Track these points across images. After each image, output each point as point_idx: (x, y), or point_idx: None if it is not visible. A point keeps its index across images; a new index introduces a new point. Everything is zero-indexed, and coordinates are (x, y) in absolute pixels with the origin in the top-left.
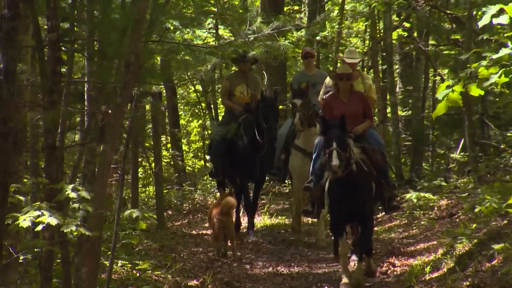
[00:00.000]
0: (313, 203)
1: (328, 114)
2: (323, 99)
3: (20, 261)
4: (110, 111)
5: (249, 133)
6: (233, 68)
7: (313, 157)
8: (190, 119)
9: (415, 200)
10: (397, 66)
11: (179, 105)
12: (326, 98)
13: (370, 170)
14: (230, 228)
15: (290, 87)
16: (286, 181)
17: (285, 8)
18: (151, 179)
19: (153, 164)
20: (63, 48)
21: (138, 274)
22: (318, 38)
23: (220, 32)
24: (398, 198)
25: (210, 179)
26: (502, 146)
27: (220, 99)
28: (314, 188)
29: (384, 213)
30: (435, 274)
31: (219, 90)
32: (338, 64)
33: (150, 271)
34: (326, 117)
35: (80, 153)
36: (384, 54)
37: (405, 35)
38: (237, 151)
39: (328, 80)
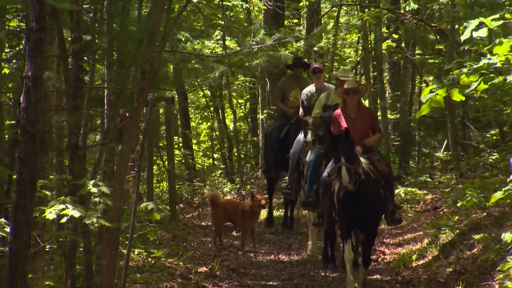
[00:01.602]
0: (322, 215)
1: (336, 129)
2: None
3: (46, 249)
4: (127, 114)
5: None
6: (238, 76)
7: (308, 174)
8: (200, 121)
9: (403, 195)
10: (386, 74)
11: (190, 108)
12: (334, 113)
13: (378, 178)
14: (212, 220)
15: (301, 104)
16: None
17: (286, 22)
18: (164, 175)
19: (166, 162)
20: (85, 58)
21: (153, 262)
22: (315, 48)
23: (227, 43)
24: (401, 211)
25: (218, 175)
26: (481, 146)
27: (227, 104)
28: (323, 199)
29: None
30: (421, 262)
31: (227, 95)
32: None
33: (163, 259)
34: (334, 132)
35: (100, 152)
36: (375, 62)
37: (393, 46)
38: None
39: (323, 95)
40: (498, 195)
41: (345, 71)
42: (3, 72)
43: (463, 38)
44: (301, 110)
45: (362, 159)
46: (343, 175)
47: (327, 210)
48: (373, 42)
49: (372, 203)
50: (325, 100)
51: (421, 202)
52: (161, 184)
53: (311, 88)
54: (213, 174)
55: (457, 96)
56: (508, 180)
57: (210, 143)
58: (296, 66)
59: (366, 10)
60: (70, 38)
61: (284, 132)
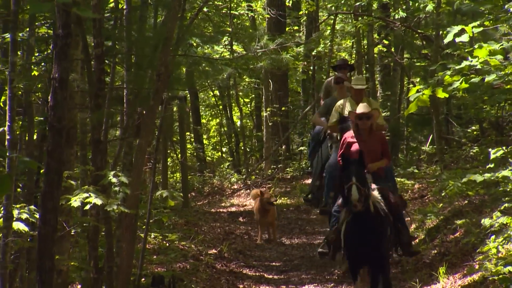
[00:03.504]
0: (329, 245)
1: (346, 153)
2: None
3: (72, 233)
4: (144, 112)
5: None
6: (244, 77)
7: (325, 181)
8: (210, 118)
9: None
10: (377, 75)
11: (200, 107)
12: (345, 136)
13: (386, 215)
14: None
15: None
16: (288, 169)
17: (287, 28)
18: (178, 167)
19: (179, 155)
20: (106, 61)
21: (167, 244)
22: (314, 52)
23: (234, 47)
24: (416, 241)
25: (226, 167)
26: (463, 140)
27: (234, 102)
28: (330, 231)
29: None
30: None
31: (234, 95)
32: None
33: (177, 242)
34: (347, 155)
35: (120, 146)
36: (367, 65)
37: (384, 50)
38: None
39: (339, 103)
40: (479, 179)
41: (359, 79)
42: (33, 74)
43: (446, 40)
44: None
45: (373, 192)
46: (353, 193)
47: (335, 240)
48: (365, 47)
49: (379, 236)
50: (340, 107)
51: (409, 191)
52: (175, 175)
53: (332, 99)
54: (222, 165)
55: (441, 94)
56: (488, 167)
57: (219, 138)
58: (340, 67)
59: (359, 18)
60: (93, 44)
61: (323, 136)
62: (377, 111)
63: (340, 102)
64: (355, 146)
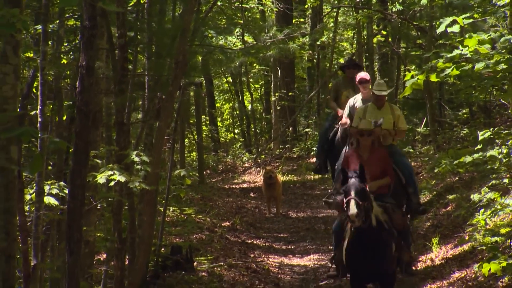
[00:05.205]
0: (337, 267)
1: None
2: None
3: (98, 207)
4: (164, 97)
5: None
6: (255, 65)
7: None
8: (223, 102)
9: None
10: (376, 63)
11: (215, 92)
12: (346, 153)
13: (390, 229)
14: None
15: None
16: (295, 149)
17: (293, 20)
18: (194, 147)
19: (195, 136)
20: (129, 50)
21: (185, 217)
22: (318, 42)
23: (245, 38)
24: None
25: (238, 147)
26: (454, 123)
27: (246, 88)
28: (335, 251)
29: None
30: None
31: (245, 81)
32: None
33: (193, 215)
34: (347, 169)
35: (141, 127)
36: (367, 54)
37: (382, 40)
38: (335, 146)
39: (360, 108)
40: (468, 159)
41: (380, 85)
42: (62, 62)
43: (438, 31)
44: (345, 120)
45: (375, 207)
46: (351, 207)
47: (342, 261)
48: (365, 37)
49: (383, 253)
50: (362, 113)
51: None
52: (192, 154)
53: (357, 98)
54: (234, 146)
55: (434, 78)
56: (476, 148)
57: (231, 120)
58: (349, 67)
59: (360, 11)
60: (117, 34)
61: (332, 134)
62: (401, 116)
63: (362, 107)
64: (355, 166)
